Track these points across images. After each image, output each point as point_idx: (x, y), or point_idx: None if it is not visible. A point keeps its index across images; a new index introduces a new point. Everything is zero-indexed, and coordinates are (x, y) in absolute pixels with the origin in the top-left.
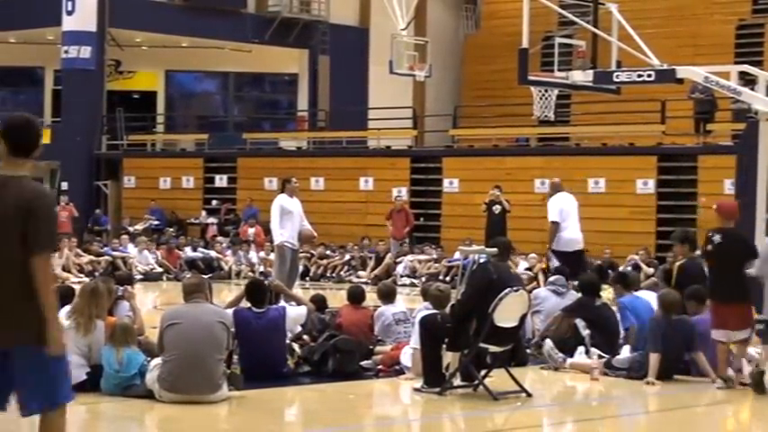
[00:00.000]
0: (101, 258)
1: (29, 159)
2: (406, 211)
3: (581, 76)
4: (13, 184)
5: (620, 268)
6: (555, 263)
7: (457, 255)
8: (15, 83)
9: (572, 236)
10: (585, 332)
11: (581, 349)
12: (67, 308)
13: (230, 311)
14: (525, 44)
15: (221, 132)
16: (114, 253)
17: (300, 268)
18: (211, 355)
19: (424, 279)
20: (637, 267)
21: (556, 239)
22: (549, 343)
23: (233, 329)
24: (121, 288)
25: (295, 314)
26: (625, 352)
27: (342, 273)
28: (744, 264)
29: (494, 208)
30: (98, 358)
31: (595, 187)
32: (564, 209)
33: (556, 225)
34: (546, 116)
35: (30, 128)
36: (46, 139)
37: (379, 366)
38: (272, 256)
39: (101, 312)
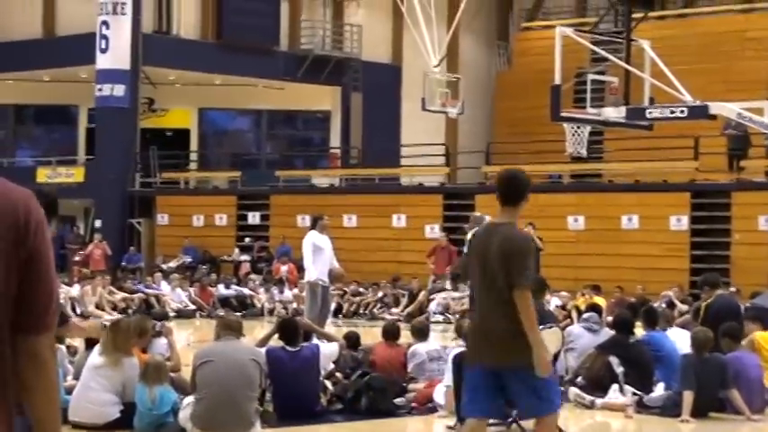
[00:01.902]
0: (134, 296)
1: (516, 208)
2: (449, 248)
3: (614, 113)
4: (500, 229)
5: (655, 305)
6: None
7: None
8: (49, 121)
9: None
10: (619, 370)
11: (615, 387)
12: (98, 347)
13: (263, 349)
14: (558, 81)
15: (254, 170)
16: (147, 291)
17: (333, 305)
18: (244, 394)
19: (457, 316)
20: (671, 304)
21: None
22: (573, 390)
23: (266, 368)
24: (159, 323)
25: (328, 351)
26: (659, 390)
27: (375, 310)
28: None
29: None
30: (131, 396)
31: (628, 224)
32: None
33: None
34: (579, 153)
35: (517, 181)
36: (79, 177)
37: (413, 404)
38: (305, 294)
39: (125, 348)
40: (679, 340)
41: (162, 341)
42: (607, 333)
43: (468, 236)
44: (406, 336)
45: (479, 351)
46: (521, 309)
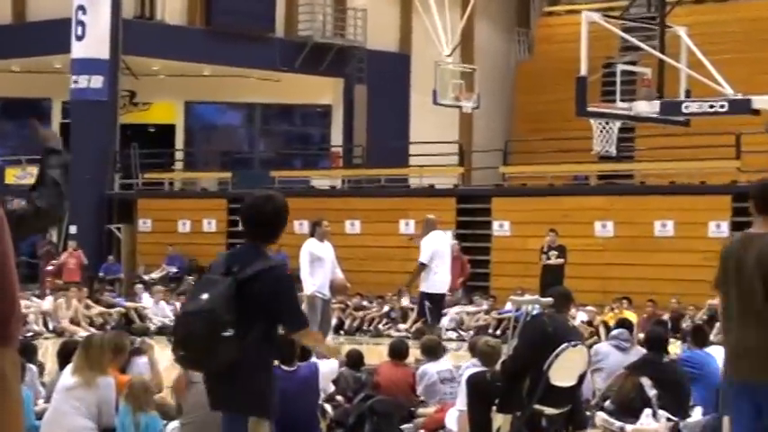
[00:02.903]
0: (113, 310)
1: None
2: (461, 258)
3: (646, 107)
4: (757, 241)
5: (697, 318)
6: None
7: (508, 306)
8: (19, 116)
9: (443, 278)
10: (652, 392)
11: (648, 411)
12: (70, 365)
13: None
14: (584, 72)
15: (246, 170)
16: (127, 304)
17: (334, 321)
18: None
19: (472, 333)
20: (713, 318)
21: (426, 281)
22: (601, 414)
23: None
24: (139, 340)
25: (327, 370)
26: (696, 414)
27: (380, 326)
28: None
29: (550, 254)
30: (108, 420)
31: (662, 230)
32: (437, 249)
33: (423, 267)
34: (607, 151)
35: None
36: None
37: (422, 430)
38: (303, 308)
39: (100, 366)
40: (719, 359)
41: (142, 360)
42: (638, 351)
43: (424, 241)
44: (414, 354)
45: (738, 369)
46: None
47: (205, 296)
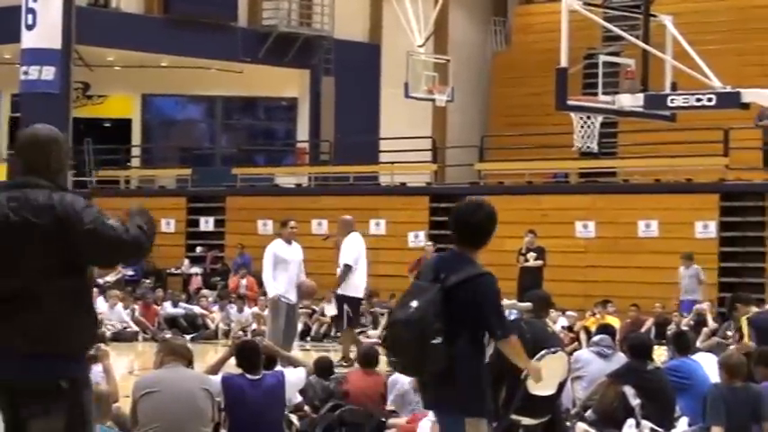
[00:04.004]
0: None
1: None
2: None
3: (629, 101)
4: None
5: (683, 323)
6: (333, 310)
7: None
8: None
9: (362, 281)
10: (635, 402)
11: (630, 422)
12: None
13: (217, 377)
14: (564, 63)
15: (207, 167)
16: None
17: (300, 326)
18: (195, 429)
19: None
20: (700, 323)
21: (346, 284)
22: (581, 425)
23: (219, 398)
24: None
25: (294, 379)
26: (682, 425)
27: None
28: None
29: (528, 255)
30: None
31: (647, 231)
32: (361, 251)
33: (349, 269)
34: (588, 147)
35: None
36: (1, 175)
37: None
38: (266, 313)
39: None
40: (706, 366)
41: (97, 368)
42: (621, 359)
43: (346, 242)
44: (385, 362)
45: None
46: None
47: (414, 303)
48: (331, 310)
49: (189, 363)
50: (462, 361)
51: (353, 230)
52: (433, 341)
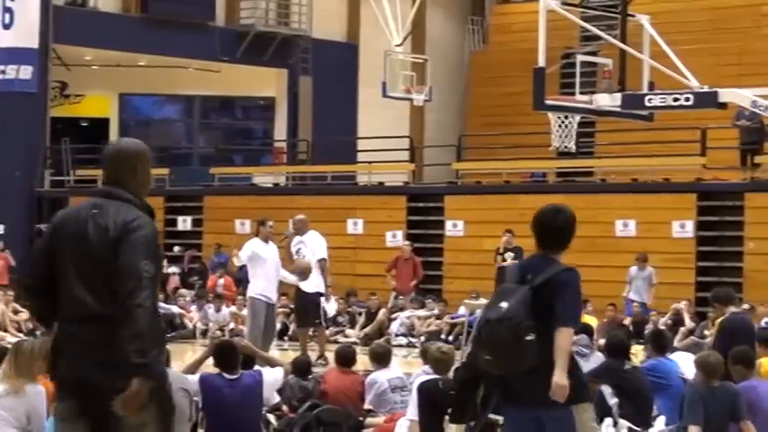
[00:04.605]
0: None
1: None
2: (413, 260)
3: (607, 100)
4: None
5: (661, 322)
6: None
7: (462, 310)
8: None
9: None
10: (613, 401)
11: (608, 421)
12: None
13: (194, 377)
14: (542, 63)
15: (184, 166)
16: None
17: (278, 325)
18: (179, 429)
19: (423, 338)
20: (678, 322)
21: (314, 280)
22: None
23: (197, 398)
24: None
25: (272, 379)
26: (659, 424)
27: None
28: None
29: (506, 255)
30: (38, 430)
31: (624, 230)
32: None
33: (325, 262)
34: (566, 147)
35: None
36: None
37: None
38: (245, 312)
39: (29, 373)
40: (683, 365)
41: None
42: (599, 358)
43: (295, 243)
44: (363, 361)
45: None
46: None
47: (504, 304)
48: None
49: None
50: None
51: (308, 228)
52: (527, 338)
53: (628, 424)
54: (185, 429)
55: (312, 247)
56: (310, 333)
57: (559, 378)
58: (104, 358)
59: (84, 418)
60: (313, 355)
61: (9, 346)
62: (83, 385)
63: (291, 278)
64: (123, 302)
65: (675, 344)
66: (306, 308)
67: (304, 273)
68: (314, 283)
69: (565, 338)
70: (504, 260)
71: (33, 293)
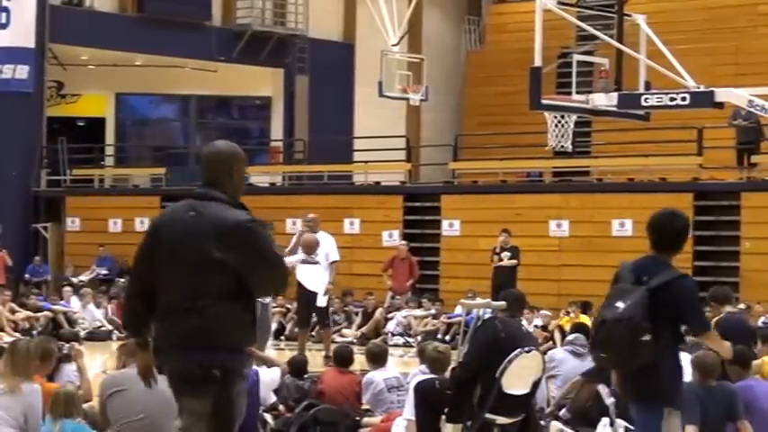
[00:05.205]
0: (39, 314)
1: None
2: (410, 259)
3: (603, 100)
4: None
5: None
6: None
7: (458, 309)
8: None
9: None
10: (610, 400)
11: (605, 421)
12: None
13: None
14: (538, 62)
15: (181, 166)
16: (55, 307)
17: (274, 325)
18: (168, 422)
19: (419, 338)
20: None
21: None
22: (556, 424)
23: None
24: (67, 345)
25: (269, 379)
26: None
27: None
28: None
29: (502, 255)
30: (35, 429)
31: (620, 230)
32: None
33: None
34: (562, 147)
35: None
36: None
37: None
38: None
39: (25, 372)
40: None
41: (71, 367)
42: None
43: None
44: (359, 361)
45: None
46: None
47: (620, 305)
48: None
49: None
50: (665, 356)
51: (320, 228)
52: (643, 338)
53: (625, 423)
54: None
55: (325, 247)
56: (311, 333)
57: (727, 352)
58: (186, 345)
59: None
60: (317, 356)
61: (5, 345)
62: (185, 376)
63: (295, 258)
64: (273, 288)
65: None
66: (310, 308)
67: (311, 247)
68: (320, 281)
69: (711, 341)
70: (501, 260)
71: (136, 300)
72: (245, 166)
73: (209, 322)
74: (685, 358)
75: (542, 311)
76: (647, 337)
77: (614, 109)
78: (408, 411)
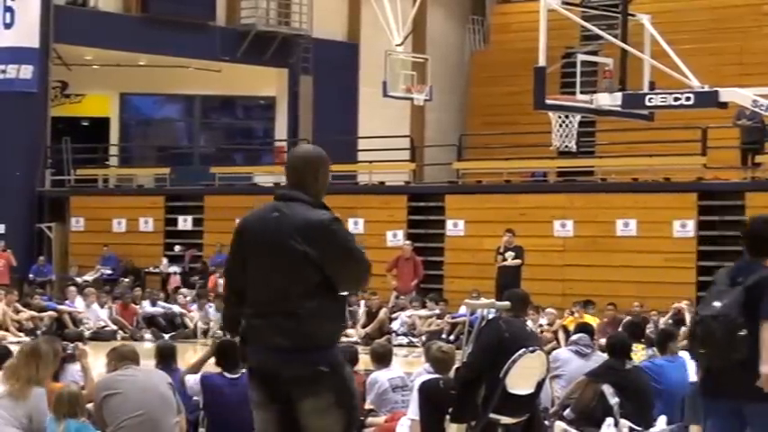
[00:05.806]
0: (44, 314)
1: None
2: (414, 259)
3: (608, 100)
4: None
5: (662, 321)
6: None
7: (463, 309)
8: None
9: None
10: (614, 400)
11: (609, 421)
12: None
13: (196, 377)
14: (542, 62)
15: (185, 166)
16: (59, 308)
17: None
18: (166, 418)
19: (424, 338)
20: (679, 321)
21: None
22: (560, 424)
23: (197, 397)
24: (71, 345)
25: None
26: (660, 424)
27: None
28: None
29: (506, 254)
30: (39, 430)
31: (625, 230)
32: None
33: None
34: (566, 147)
35: None
36: None
37: None
38: None
39: (41, 377)
40: (684, 366)
41: (75, 367)
42: (599, 357)
43: None
44: (364, 361)
45: None
46: None
47: (717, 303)
48: None
49: (137, 365)
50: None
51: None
52: (740, 333)
53: (629, 423)
54: (177, 419)
55: None
56: None
57: (765, 368)
58: (287, 349)
59: (273, 405)
60: None
61: (10, 346)
62: (269, 375)
63: None
64: (357, 284)
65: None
66: None
67: None
68: None
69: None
70: (505, 259)
71: (234, 301)
72: (329, 168)
73: (306, 323)
74: (688, 359)
75: (548, 309)
76: (743, 333)
77: (618, 109)
78: (412, 411)
